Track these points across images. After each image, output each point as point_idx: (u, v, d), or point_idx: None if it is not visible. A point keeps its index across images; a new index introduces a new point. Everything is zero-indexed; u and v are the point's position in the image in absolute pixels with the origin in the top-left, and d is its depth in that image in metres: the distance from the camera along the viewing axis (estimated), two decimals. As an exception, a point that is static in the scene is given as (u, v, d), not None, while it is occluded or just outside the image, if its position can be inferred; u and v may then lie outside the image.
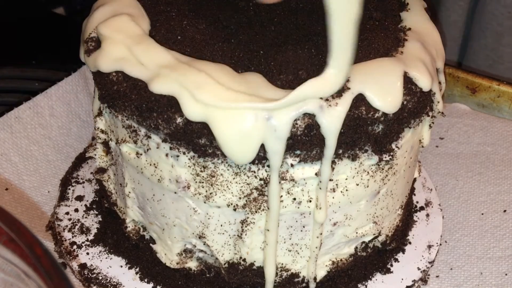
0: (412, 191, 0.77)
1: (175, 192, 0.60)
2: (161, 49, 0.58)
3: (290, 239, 0.63)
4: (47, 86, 0.91)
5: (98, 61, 0.59)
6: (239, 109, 0.53)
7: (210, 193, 0.59)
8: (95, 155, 0.71)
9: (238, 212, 0.60)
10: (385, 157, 0.60)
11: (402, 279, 0.71)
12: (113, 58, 0.58)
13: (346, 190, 0.61)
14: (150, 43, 0.58)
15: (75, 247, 0.73)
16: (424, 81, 0.60)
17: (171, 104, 0.55)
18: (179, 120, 0.55)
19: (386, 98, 0.56)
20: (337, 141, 0.56)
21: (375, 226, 0.67)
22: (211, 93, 0.54)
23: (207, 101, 0.53)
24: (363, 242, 0.68)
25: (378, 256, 0.72)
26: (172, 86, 0.55)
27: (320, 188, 0.59)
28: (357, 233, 0.66)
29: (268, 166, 0.57)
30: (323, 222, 0.62)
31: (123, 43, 0.58)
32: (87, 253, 0.72)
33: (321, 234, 0.63)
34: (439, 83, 0.65)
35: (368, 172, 0.61)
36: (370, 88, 0.56)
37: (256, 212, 0.60)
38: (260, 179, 0.58)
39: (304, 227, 0.62)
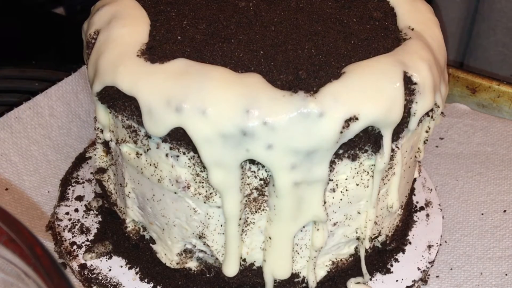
0: (412, 191, 0.77)
1: (175, 192, 0.60)
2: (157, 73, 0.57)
3: (290, 239, 0.63)
4: (47, 86, 0.91)
5: (93, 84, 0.60)
6: None
7: (210, 193, 0.59)
8: (95, 155, 0.71)
9: (238, 212, 0.60)
10: (385, 157, 0.60)
11: (402, 279, 0.71)
12: (107, 80, 0.59)
13: (346, 190, 0.61)
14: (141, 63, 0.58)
15: (75, 247, 0.73)
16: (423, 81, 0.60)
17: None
18: (179, 120, 0.55)
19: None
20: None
21: (375, 226, 0.66)
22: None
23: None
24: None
25: (378, 256, 0.72)
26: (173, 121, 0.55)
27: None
28: (357, 233, 0.66)
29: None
30: (322, 246, 0.63)
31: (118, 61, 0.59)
32: (87, 253, 0.72)
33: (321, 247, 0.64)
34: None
35: (368, 172, 0.61)
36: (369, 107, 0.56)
37: (256, 212, 0.60)
38: (260, 179, 0.58)
39: (304, 227, 0.62)
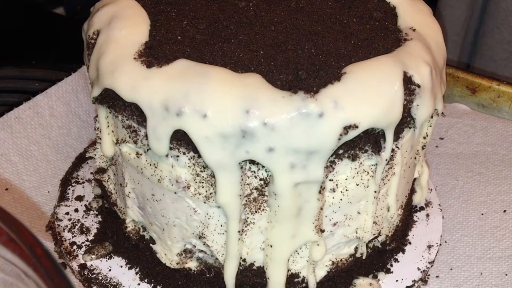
0: (412, 191, 0.77)
1: (175, 192, 0.60)
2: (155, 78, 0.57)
3: (290, 239, 0.63)
4: (47, 86, 0.91)
5: (93, 85, 0.61)
6: None
7: (210, 193, 0.59)
8: (95, 155, 0.71)
9: (238, 212, 0.60)
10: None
11: (402, 279, 0.71)
12: (106, 82, 0.59)
13: (346, 190, 0.61)
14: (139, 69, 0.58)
15: (75, 247, 0.73)
16: (423, 81, 0.60)
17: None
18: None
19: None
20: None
21: (375, 226, 0.67)
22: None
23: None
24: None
25: (378, 256, 0.72)
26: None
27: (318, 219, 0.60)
28: (357, 233, 0.66)
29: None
30: (320, 259, 0.63)
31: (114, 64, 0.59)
32: (87, 253, 0.72)
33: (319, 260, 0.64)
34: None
35: (368, 172, 0.61)
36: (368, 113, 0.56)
37: (256, 212, 0.60)
38: (260, 179, 0.58)
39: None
